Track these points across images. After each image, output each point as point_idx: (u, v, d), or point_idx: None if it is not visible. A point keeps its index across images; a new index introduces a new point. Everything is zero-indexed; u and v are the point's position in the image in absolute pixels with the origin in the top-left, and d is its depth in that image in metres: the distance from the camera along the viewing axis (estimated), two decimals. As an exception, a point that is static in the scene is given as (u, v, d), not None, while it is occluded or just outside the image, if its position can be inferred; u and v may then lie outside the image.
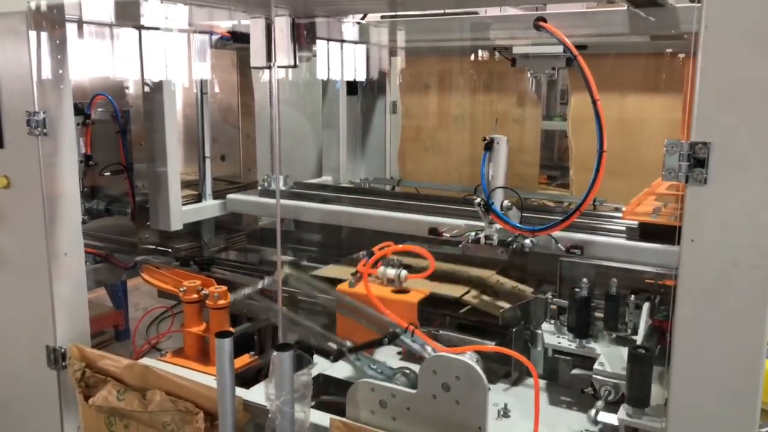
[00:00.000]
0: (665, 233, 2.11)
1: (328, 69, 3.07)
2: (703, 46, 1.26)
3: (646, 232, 2.23)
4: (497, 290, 2.39)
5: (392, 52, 3.89)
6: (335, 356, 2.01)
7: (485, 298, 2.30)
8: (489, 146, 2.13)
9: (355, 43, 3.22)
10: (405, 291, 2.29)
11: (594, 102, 1.80)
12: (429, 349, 1.93)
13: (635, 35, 2.71)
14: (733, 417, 1.33)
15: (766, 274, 1.26)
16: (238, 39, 2.94)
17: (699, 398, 1.36)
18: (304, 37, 1.81)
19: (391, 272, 2.29)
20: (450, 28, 3.20)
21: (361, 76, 3.39)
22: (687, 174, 1.30)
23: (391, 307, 2.07)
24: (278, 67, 1.80)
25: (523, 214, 2.30)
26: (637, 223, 2.29)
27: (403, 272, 2.29)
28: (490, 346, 2.11)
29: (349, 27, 3.02)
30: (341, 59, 3.17)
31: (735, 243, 1.28)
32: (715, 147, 1.27)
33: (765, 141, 1.23)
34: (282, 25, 1.74)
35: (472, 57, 3.94)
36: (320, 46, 2.82)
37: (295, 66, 1.80)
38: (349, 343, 2.05)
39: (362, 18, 2.75)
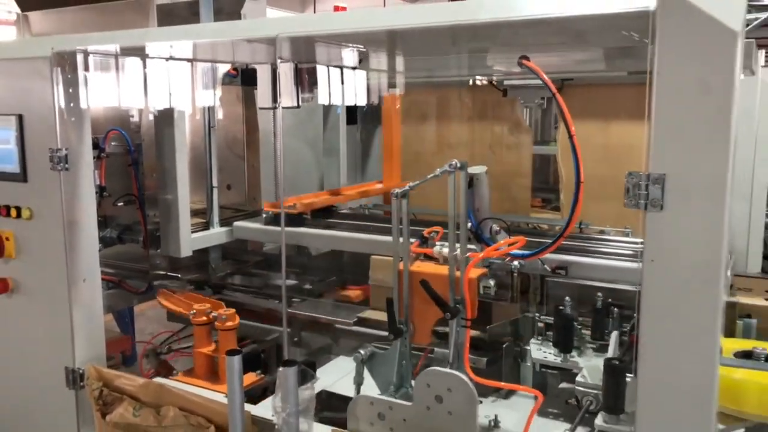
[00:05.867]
0: (294, 219, 3.21)
1: (329, 95, 3.21)
2: (656, 87, 1.44)
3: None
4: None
5: (390, 84, 4.08)
6: (395, 334, 2.10)
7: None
8: (470, 185, 2.26)
9: (354, 69, 3.37)
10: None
11: (570, 136, 1.96)
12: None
13: (613, 71, 2.89)
14: (692, 420, 1.47)
15: (717, 290, 1.42)
16: (244, 78, 3.12)
17: (662, 404, 1.50)
18: (306, 80, 1.99)
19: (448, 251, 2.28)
20: (446, 65, 3.39)
21: (361, 101, 3.52)
22: (646, 201, 1.47)
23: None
24: (283, 108, 1.97)
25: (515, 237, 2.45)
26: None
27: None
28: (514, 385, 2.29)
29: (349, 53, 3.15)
30: (342, 86, 3.30)
31: (689, 262, 1.44)
32: (669, 177, 1.44)
33: (710, 171, 1.39)
34: (286, 70, 1.92)
35: (469, 83, 4.11)
36: (321, 72, 2.95)
37: (298, 107, 1.97)
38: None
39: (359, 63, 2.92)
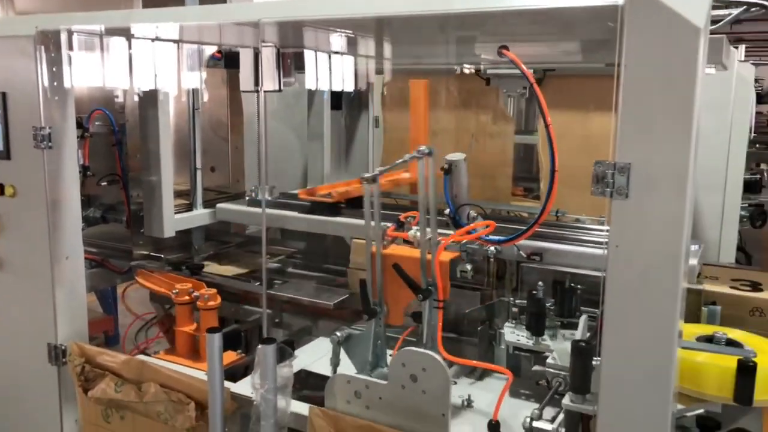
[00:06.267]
0: (330, 208, 3.08)
1: (316, 80, 3.23)
2: (623, 81, 1.49)
3: (316, 207, 3.13)
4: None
5: (376, 71, 4.10)
6: (369, 314, 2.17)
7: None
8: (448, 171, 2.31)
9: (338, 53, 3.39)
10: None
11: (546, 126, 2.02)
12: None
13: (592, 63, 2.94)
14: (651, 400, 1.55)
15: (677, 275, 1.49)
16: (228, 61, 3.13)
17: (623, 383, 1.57)
18: (288, 65, 2.02)
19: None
20: (431, 53, 3.42)
21: (348, 87, 3.54)
22: (612, 190, 1.53)
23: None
24: (265, 91, 2.01)
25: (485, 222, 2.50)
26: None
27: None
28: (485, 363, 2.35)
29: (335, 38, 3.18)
30: (329, 72, 3.32)
31: (651, 248, 1.50)
32: (634, 167, 1.50)
33: (672, 162, 1.46)
34: (268, 54, 1.95)
35: (455, 72, 4.15)
36: (307, 57, 2.97)
37: (279, 90, 2.00)
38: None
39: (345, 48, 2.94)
